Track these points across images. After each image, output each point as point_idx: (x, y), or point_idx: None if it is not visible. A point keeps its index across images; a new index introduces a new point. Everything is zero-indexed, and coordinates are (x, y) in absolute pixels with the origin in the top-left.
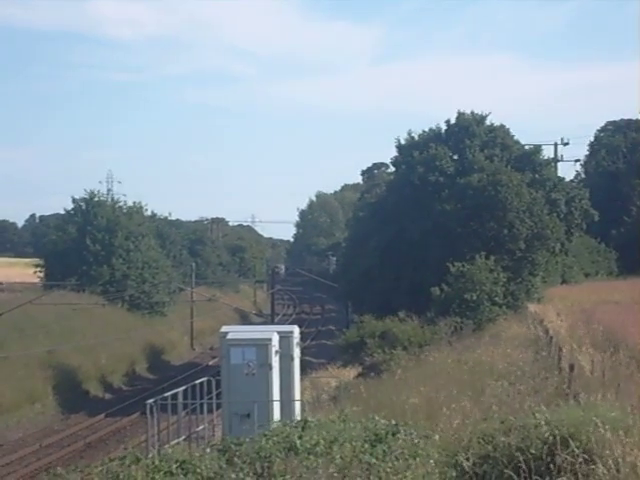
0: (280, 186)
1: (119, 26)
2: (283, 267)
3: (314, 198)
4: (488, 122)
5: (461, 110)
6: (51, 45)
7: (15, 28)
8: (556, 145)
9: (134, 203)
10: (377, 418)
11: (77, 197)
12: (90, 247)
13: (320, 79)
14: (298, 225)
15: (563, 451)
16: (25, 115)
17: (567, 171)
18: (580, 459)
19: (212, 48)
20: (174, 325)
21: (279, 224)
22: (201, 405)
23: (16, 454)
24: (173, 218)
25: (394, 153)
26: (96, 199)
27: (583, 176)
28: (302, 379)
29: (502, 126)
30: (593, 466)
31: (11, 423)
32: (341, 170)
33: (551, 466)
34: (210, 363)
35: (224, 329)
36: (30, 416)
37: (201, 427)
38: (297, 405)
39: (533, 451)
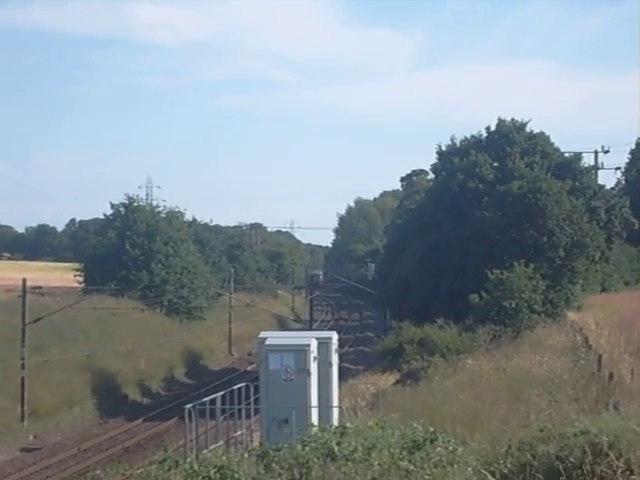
0: (319, 192)
1: (155, 31)
2: (321, 273)
3: (353, 204)
4: (528, 129)
5: (501, 117)
6: (87, 50)
7: (51, 32)
8: (596, 153)
9: (173, 208)
10: (415, 425)
11: (116, 202)
12: (129, 252)
13: (359, 85)
14: (337, 231)
15: (603, 460)
16: (64, 119)
17: (607, 179)
18: (620, 469)
19: (250, 53)
20: (212, 330)
21: (318, 230)
22: (239, 410)
23: (55, 458)
24: (212, 224)
25: (433, 160)
26: (135, 204)
27: (624, 184)
28: (340, 385)
29: (542, 133)
30: (633, 477)
31: (50, 427)
32: (380, 176)
33: (590, 475)
34: (248, 369)
35: (262, 335)
36: (69, 420)
37: (239, 432)
38: (335, 411)
39: (572, 460)
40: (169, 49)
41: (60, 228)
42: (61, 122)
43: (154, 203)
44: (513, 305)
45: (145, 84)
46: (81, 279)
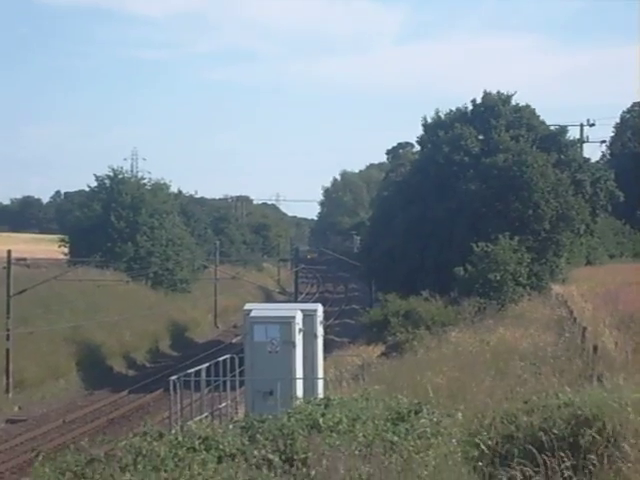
0: (305, 165)
1: (143, 1)
2: (311, 252)
3: (338, 177)
4: (514, 102)
5: (487, 90)
6: (77, 21)
7: (41, 4)
8: (582, 126)
9: (158, 181)
10: (399, 397)
11: (101, 174)
12: (114, 224)
13: (345, 58)
14: (322, 204)
15: (586, 432)
16: (51, 92)
17: (593, 152)
18: (604, 440)
19: (238, 26)
20: (198, 303)
21: (303, 203)
22: (224, 382)
23: (40, 429)
24: (198, 196)
25: (420, 133)
26: (120, 176)
27: (609, 157)
28: (325, 357)
29: (528, 106)
30: (616, 447)
31: (35, 398)
32: (366, 149)
33: (574, 447)
34: (233, 341)
35: (248, 307)
36: (54, 391)
37: (224, 404)
38: (320, 383)
39: (556, 431)
40: (156, 21)
41: (45, 200)
42: (48, 94)
43: (139, 175)
44: (498, 278)
45: (132, 56)
46: (66, 251)
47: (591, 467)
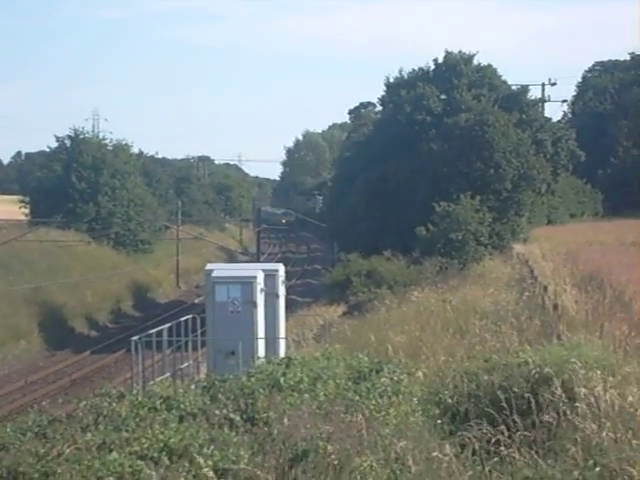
0: (267, 125)
1: None
2: (283, 213)
3: (301, 137)
4: (476, 62)
5: (449, 50)
6: None
7: None
8: (543, 85)
9: (120, 141)
10: (361, 356)
11: (62, 135)
12: (76, 184)
13: (307, 18)
14: (285, 164)
15: (546, 390)
16: (11, 51)
17: (554, 112)
18: (562, 397)
19: None
20: (160, 263)
21: (266, 163)
22: (186, 343)
23: (1, 390)
24: (159, 157)
25: (381, 93)
26: (82, 137)
27: (570, 117)
28: (287, 318)
29: (490, 66)
30: (575, 404)
31: None
32: (328, 109)
33: (533, 404)
34: (196, 301)
35: (209, 267)
36: (15, 353)
37: (186, 364)
38: (282, 343)
39: (516, 389)
40: None
41: (6, 161)
42: (9, 54)
43: (101, 136)
44: (460, 237)
45: (95, 16)
46: (27, 212)
47: (549, 425)
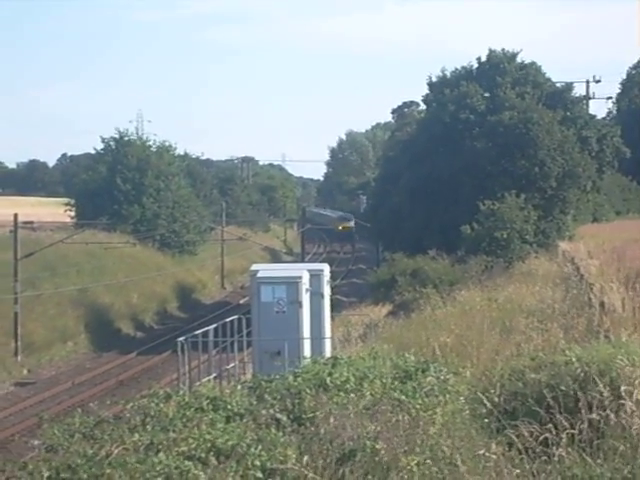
0: (310, 125)
1: None
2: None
3: (344, 137)
4: (519, 59)
5: (492, 48)
6: None
7: None
8: (588, 82)
9: (164, 142)
10: (407, 355)
11: (107, 137)
12: (120, 186)
13: (350, 17)
14: (328, 164)
15: (593, 388)
16: (55, 54)
17: (599, 109)
18: (609, 395)
19: None
20: (205, 264)
21: (309, 163)
22: (232, 343)
23: (49, 392)
24: (204, 158)
25: (424, 92)
26: (126, 138)
27: (615, 113)
28: (332, 317)
29: (533, 63)
30: (622, 402)
31: (44, 361)
32: (371, 108)
33: (580, 403)
34: (241, 302)
35: (254, 267)
36: (62, 354)
37: (232, 365)
38: (327, 343)
39: (563, 388)
40: None
41: (51, 163)
42: (53, 56)
43: (145, 137)
44: (505, 236)
45: (136, 18)
46: (72, 214)
47: (596, 423)
